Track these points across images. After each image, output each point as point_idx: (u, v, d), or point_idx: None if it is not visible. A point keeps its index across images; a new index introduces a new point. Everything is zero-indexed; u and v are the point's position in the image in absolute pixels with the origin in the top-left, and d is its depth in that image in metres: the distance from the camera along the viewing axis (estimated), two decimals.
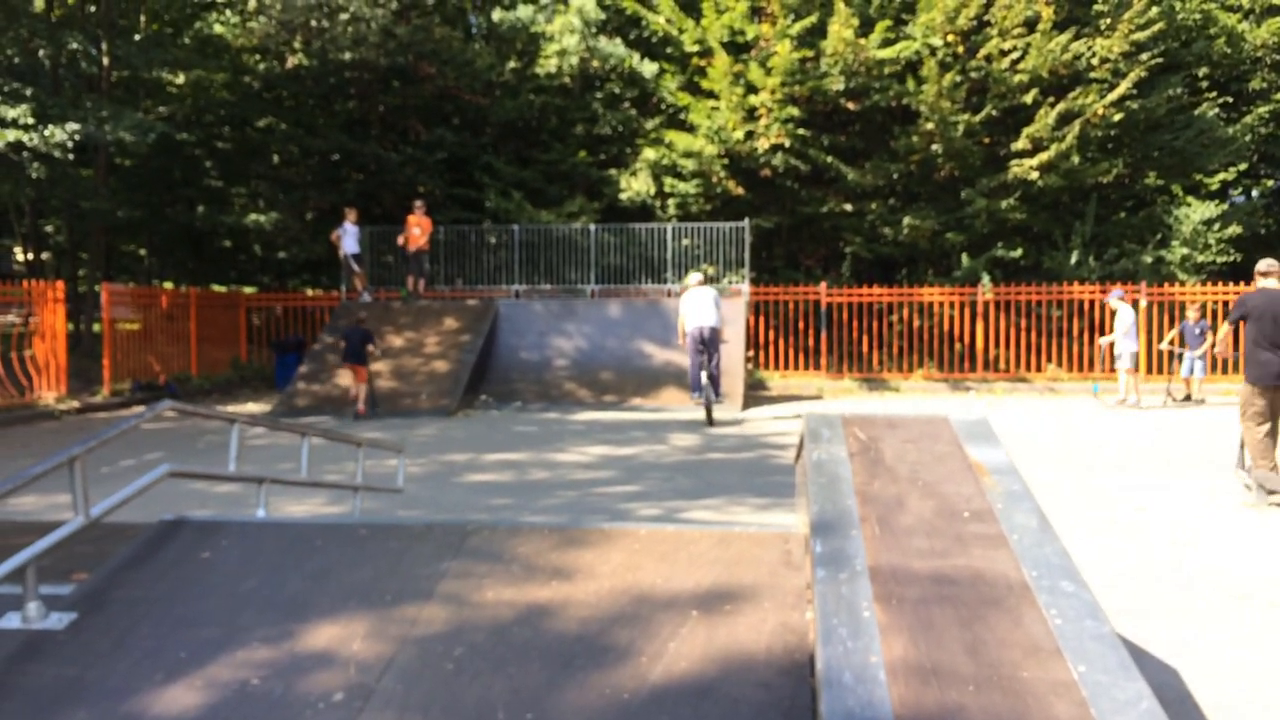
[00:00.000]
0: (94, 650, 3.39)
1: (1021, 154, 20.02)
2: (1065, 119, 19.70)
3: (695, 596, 3.63)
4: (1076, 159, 19.79)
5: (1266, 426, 8.45)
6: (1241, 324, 8.56)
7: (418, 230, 18.80)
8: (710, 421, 14.14)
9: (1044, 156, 19.36)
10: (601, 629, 3.44)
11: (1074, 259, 20.12)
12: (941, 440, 4.05)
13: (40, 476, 3.59)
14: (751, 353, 19.57)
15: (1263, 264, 8.71)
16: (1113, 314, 17.11)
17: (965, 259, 20.25)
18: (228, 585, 3.82)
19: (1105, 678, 2.42)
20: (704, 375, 14.01)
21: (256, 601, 3.68)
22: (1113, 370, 17.34)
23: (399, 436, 12.83)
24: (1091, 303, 19.45)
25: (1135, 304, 17.91)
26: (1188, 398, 16.77)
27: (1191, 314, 16.30)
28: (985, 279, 19.68)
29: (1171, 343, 16.60)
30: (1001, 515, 3.32)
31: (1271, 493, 8.43)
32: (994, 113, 20.18)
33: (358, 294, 19.45)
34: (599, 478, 10.15)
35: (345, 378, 16.68)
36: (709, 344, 14.06)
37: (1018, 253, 20.32)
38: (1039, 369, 19.51)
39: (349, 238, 19.14)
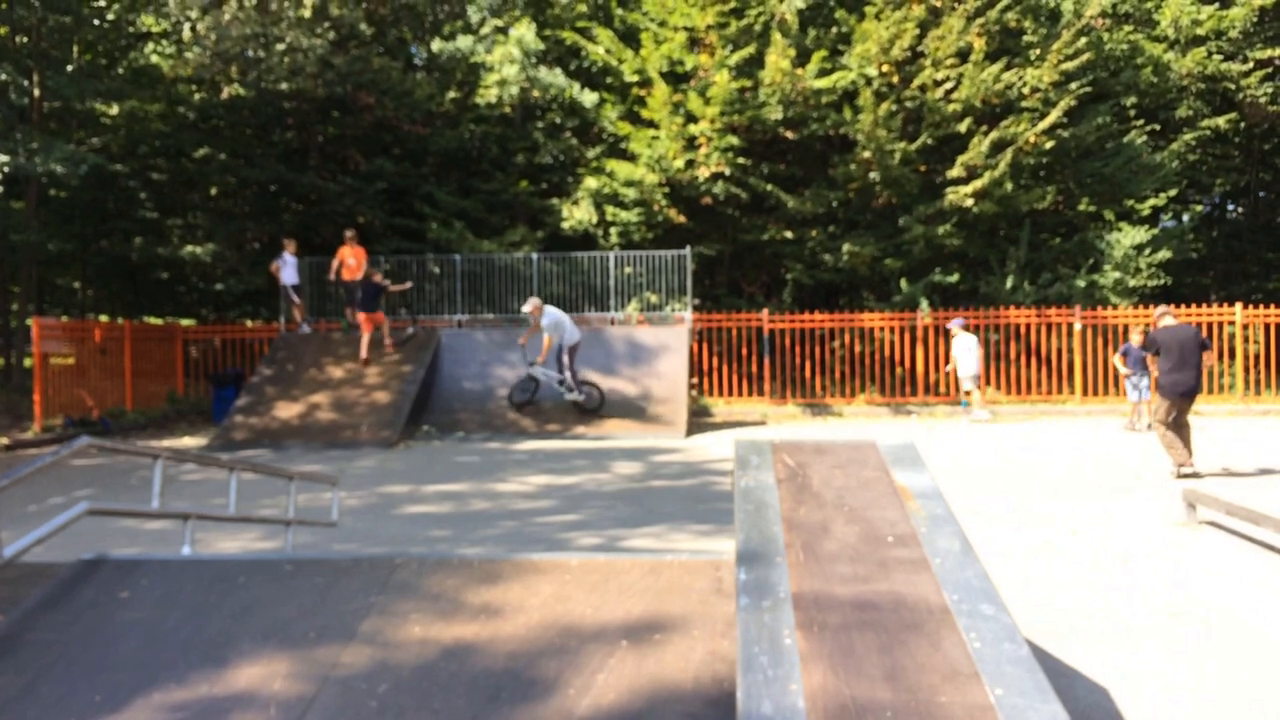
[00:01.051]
0: (3, 695, 3.29)
1: (956, 181, 20.37)
2: (998, 147, 20.10)
3: (625, 626, 3.61)
4: (1010, 186, 20.18)
5: (1173, 429, 11.18)
6: (1153, 356, 11.55)
7: (353, 260, 18.65)
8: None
9: (978, 184, 19.70)
10: (529, 662, 3.41)
11: (1009, 284, 20.46)
12: (869, 465, 4.08)
13: None
14: (695, 380, 19.63)
15: (1159, 309, 11.91)
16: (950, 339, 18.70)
17: (904, 284, 20.52)
18: (146, 625, 3.73)
19: (1021, 700, 2.44)
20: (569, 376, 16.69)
21: (176, 642, 3.60)
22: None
23: (337, 469, 12.67)
24: (1028, 327, 19.78)
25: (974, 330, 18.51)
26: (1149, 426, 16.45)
27: (1135, 338, 16.48)
28: (924, 304, 19.94)
29: (1122, 359, 16.58)
30: (925, 539, 3.35)
31: (1180, 465, 11.10)
32: (929, 141, 20.53)
33: (297, 325, 19.23)
34: (540, 507, 10.09)
35: (284, 410, 16.46)
36: (574, 352, 16.78)
37: (955, 278, 20.61)
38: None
39: (288, 269, 18.94)
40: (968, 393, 18.14)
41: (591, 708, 3.11)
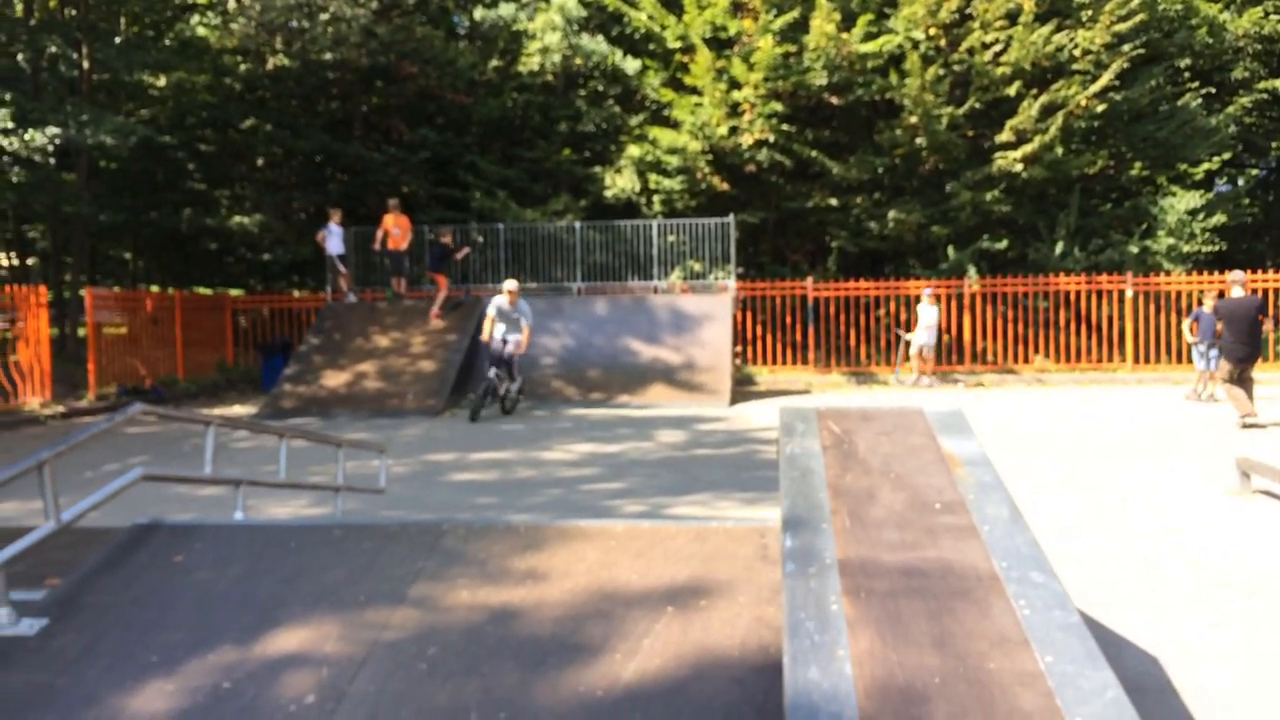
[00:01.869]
0: (65, 656, 3.37)
1: (1005, 146, 20.05)
2: (1048, 111, 19.73)
3: (670, 592, 3.62)
4: (1060, 150, 19.83)
5: (1236, 384, 12.38)
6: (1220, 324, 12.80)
7: (397, 230, 18.74)
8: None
9: (1028, 149, 19.38)
10: (576, 627, 3.43)
11: (1059, 250, 20.16)
12: (915, 432, 4.05)
13: (7, 482, 3.56)
14: (739, 348, 19.57)
15: (1234, 274, 13.11)
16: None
17: (951, 252, 20.28)
18: (200, 588, 3.80)
19: (1072, 668, 2.42)
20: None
21: (229, 604, 3.66)
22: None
23: (384, 436, 12.80)
24: (1078, 294, 19.49)
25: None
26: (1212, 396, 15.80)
27: (1208, 303, 15.95)
28: (971, 271, 19.71)
29: (1190, 330, 16.15)
30: (973, 506, 3.32)
31: (1244, 415, 12.18)
32: (977, 105, 20.20)
33: (343, 295, 19.40)
34: (584, 475, 10.14)
35: (331, 379, 16.65)
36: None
37: (1003, 245, 20.35)
38: (1026, 360, 19.56)
39: (334, 239, 19.08)
40: (918, 354, 18.64)
41: (638, 672, 3.13)
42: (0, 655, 3.37)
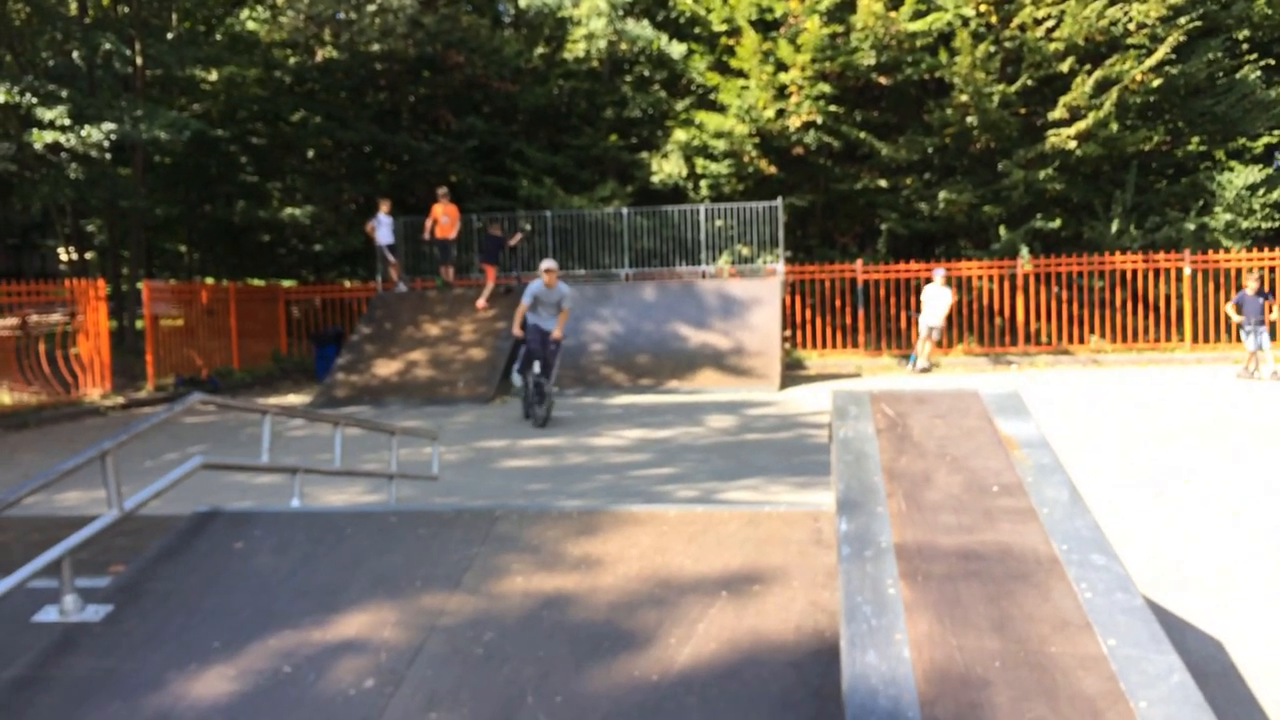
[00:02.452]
0: (129, 641, 3.44)
1: (1059, 123, 19.69)
2: (1102, 86, 19.33)
3: (724, 577, 3.61)
4: (1115, 127, 19.44)
5: None
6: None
7: (446, 219, 18.82)
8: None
9: (1081, 125, 19.03)
10: (630, 612, 3.43)
11: (1115, 229, 19.79)
12: (971, 414, 4.00)
13: (71, 472, 3.64)
14: (788, 332, 19.47)
15: None
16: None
17: (1003, 232, 19.99)
18: (260, 575, 3.86)
19: (1135, 651, 2.38)
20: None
21: (288, 590, 3.72)
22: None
23: (436, 424, 12.90)
24: (1134, 273, 19.14)
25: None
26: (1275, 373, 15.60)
27: (1251, 284, 15.75)
28: (1024, 251, 19.42)
29: (1236, 309, 15.94)
30: (1031, 489, 3.27)
31: None
32: (1029, 82, 19.86)
33: (394, 284, 19.56)
34: (635, 460, 10.15)
35: (383, 367, 16.82)
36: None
37: (1057, 224, 20.02)
38: (1081, 341, 19.25)
39: (383, 228, 19.23)
40: (927, 338, 18.14)
41: (693, 657, 3.13)
42: (67, 641, 3.45)
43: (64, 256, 28.59)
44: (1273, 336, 15.92)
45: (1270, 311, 15.70)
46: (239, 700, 3.07)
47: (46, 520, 5.53)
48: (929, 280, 18.42)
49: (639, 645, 3.22)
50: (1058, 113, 19.59)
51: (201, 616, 3.56)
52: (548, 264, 12.73)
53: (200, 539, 4.19)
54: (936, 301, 17.93)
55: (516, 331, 12.81)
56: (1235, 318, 15.85)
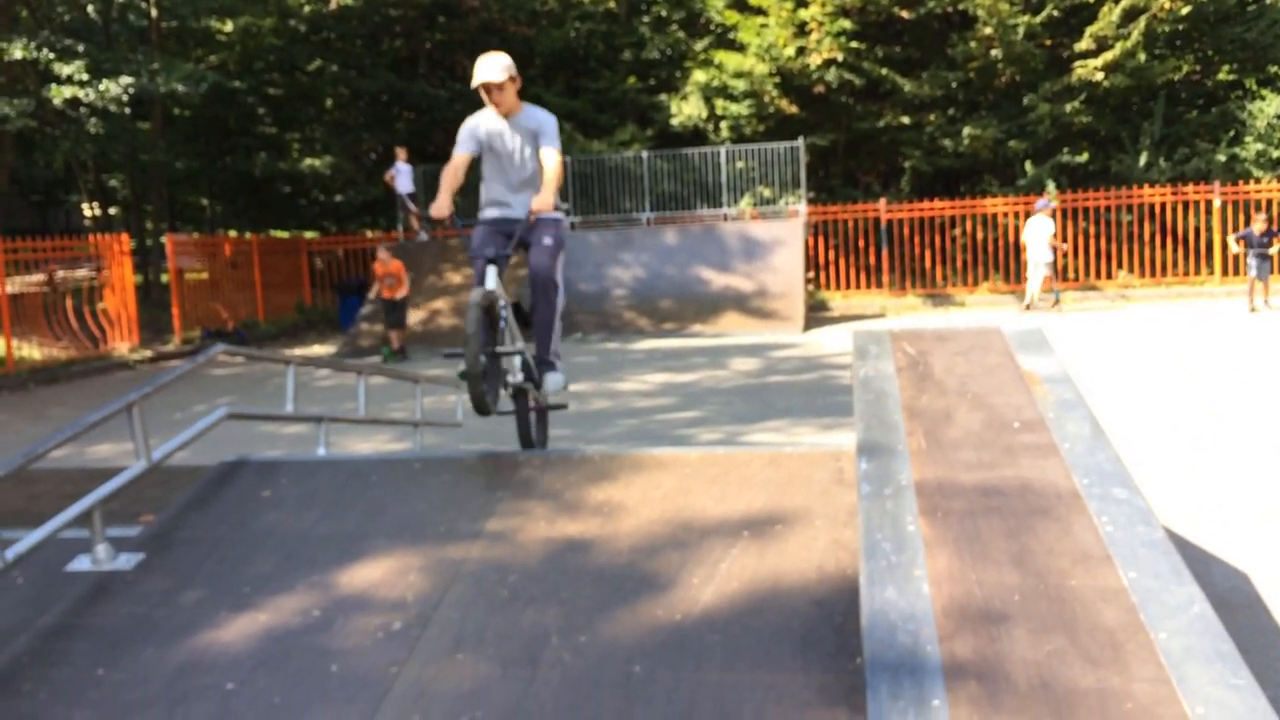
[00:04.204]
0: (161, 588, 3.50)
1: (1085, 55, 19.31)
2: (1130, 15, 18.90)
3: (746, 518, 3.63)
4: (1143, 57, 19.04)
5: None
6: None
7: None
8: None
9: (1109, 56, 18.65)
10: (653, 552, 3.46)
11: (1143, 161, 19.48)
12: (993, 351, 3.97)
13: (98, 424, 3.68)
14: (811, 274, 19.36)
15: None
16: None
17: (1029, 167, 19.72)
18: (287, 522, 3.91)
19: (1156, 583, 2.38)
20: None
21: (315, 537, 3.76)
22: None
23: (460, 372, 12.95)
24: (1163, 206, 18.86)
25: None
26: None
27: (1258, 225, 15.66)
28: (1051, 186, 19.15)
29: (1237, 244, 15.93)
30: (1053, 424, 3.26)
31: None
32: (1055, 13, 19.45)
33: (414, 233, 19.56)
34: (659, 405, 10.18)
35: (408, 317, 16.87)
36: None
37: (1084, 158, 19.72)
38: (1109, 276, 19.05)
39: (402, 177, 19.19)
40: (1047, 279, 17.22)
41: (716, 595, 3.15)
42: (100, 589, 3.51)
43: (88, 212, 28.75)
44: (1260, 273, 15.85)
45: (1273, 247, 15.68)
46: (270, 643, 3.13)
47: (78, 472, 5.62)
48: (1029, 214, 17.65)
49: (662, 586, 3.25)
50: (1084, 43, 19.21)
51: (231, 563, 3.62)
52: (486, 62, 5.02)
53: (228, 488, 4.24)
54: (1042, 233, 17.03)
55: (438, 211, 5.02)
56: (1234, 249, 15.83)
